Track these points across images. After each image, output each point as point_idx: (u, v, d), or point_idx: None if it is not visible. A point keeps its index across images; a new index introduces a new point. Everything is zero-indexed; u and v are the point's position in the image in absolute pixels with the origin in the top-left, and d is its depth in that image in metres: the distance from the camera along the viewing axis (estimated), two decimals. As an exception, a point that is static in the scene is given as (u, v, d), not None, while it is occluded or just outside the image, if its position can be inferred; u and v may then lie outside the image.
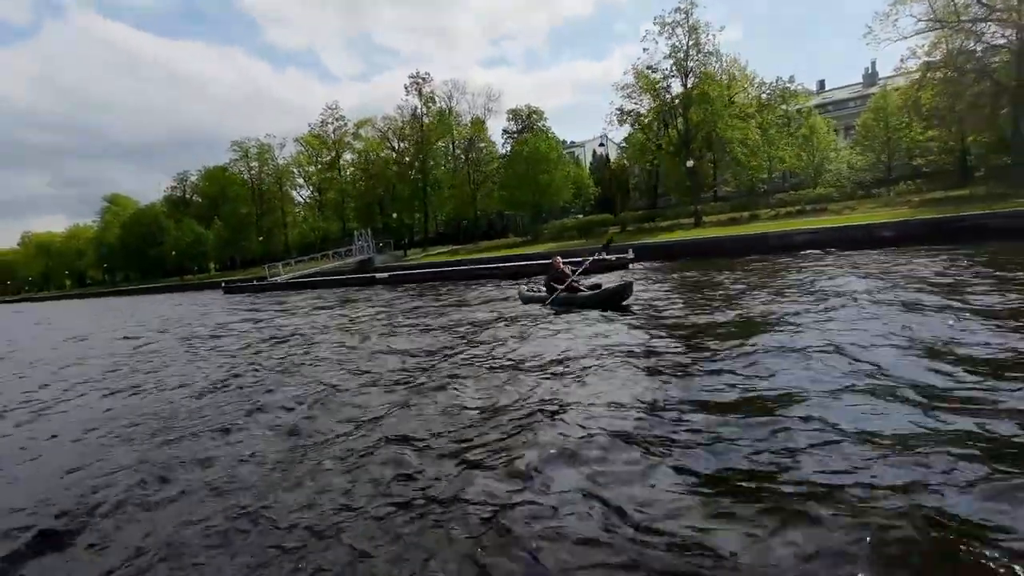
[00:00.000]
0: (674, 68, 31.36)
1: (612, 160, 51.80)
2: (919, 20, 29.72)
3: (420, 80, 44.49)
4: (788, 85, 41.29)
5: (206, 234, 61.72)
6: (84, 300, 58.43)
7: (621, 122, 35.34)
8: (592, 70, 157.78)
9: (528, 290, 13.14)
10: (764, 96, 41.08)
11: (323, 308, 18.09)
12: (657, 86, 32.19)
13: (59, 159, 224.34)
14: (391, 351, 8.28)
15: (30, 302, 74.19)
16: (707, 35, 31.13)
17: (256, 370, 7.88)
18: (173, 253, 63.59)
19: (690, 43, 31.04)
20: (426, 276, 26.04)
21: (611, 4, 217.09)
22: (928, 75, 28.84)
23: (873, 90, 39.94)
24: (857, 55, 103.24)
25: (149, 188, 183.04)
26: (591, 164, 56.97)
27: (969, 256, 13.73)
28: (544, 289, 12.23)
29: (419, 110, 45.22)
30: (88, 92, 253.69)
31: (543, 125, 54.90)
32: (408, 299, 18.02)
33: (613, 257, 20.34)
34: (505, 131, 55.70)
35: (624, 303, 10.42)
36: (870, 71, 47.88)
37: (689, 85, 31.58)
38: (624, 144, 44.65)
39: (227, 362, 9.03)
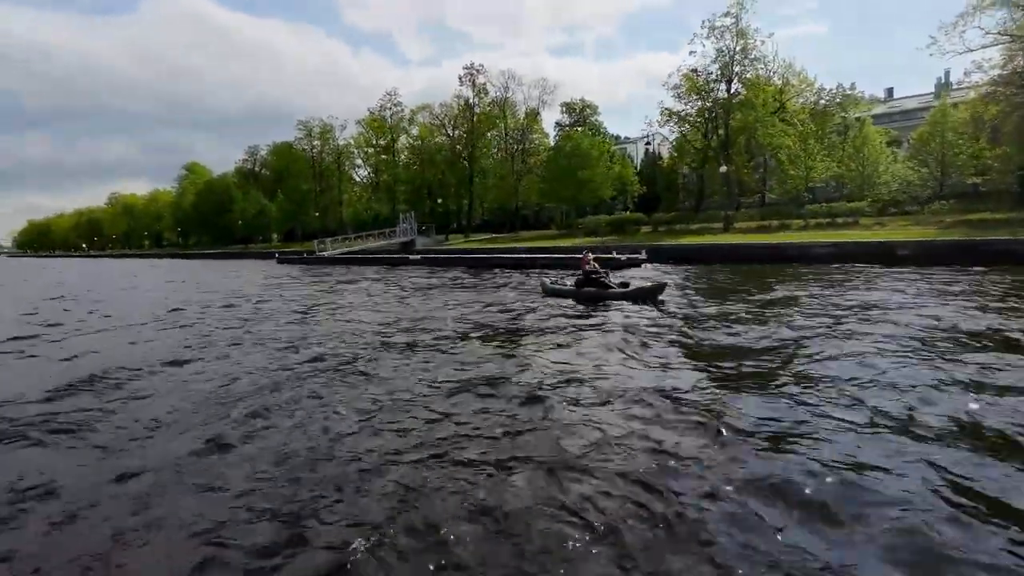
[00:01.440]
0: (719, 72, 31.62)
1: (665, 158, 51.95)
2: (987, 33, 28.93)
3: (474, 72, 46.25)
4: (848, 92, 40.59)
5: (269, 206, 66.11)
6: (161, 260, 63.96)
7: (664, 122, 35.84)
8: (667, 63, 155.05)
9: (552, 283, 13.48)
10: (823, 103, 40.49)
11: (350, 282, 20.21)
12: (701, 89, 32.54)
13: (147, 126, 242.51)
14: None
15: (113, 258, 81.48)
16: (755, 40, 31.19)
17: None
18: (240, 222, 68.47)
19: (737, 48, 31.21)
20: (455, 261, 27.88)
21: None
22: (998, 90, 28.03)
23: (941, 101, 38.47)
24: (936, 61, 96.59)
25: (225, 158, 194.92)
26: (642, 161, 57.26)
27: (971, 277, 14.24)
28: (569, 283, 12.77)
29: (471, 100, 46.96)
30: (177, 63, 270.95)
31: (596, 120, 55.74)
32: (423, 279, 19.86)
33: (624, 257, 21.42)
34: (558, 123, 56.81)
35: (659, 299, 11.03)
36: (943, 80, 45.80)
37: (733, 90, 31.81)
38: (673, 143, 44.89)
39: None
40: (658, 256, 23.69)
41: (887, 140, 37.41)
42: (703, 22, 32.72)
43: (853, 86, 41.18)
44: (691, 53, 32.67)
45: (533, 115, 54.32)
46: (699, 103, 33.10)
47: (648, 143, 47.88)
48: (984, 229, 22.04)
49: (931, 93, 47.24)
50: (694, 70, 32.24)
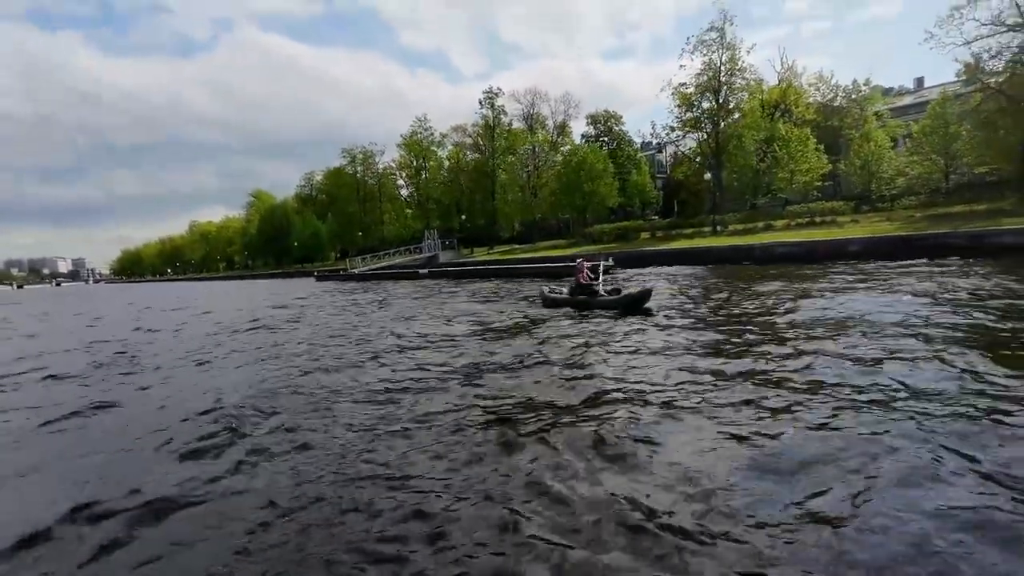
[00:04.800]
0: (707, 84, 33.61)
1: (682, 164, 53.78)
2: (982, 24, 29.90)
3: (493, 95, 50.23)
4: (864, 87, 41.45)
5: (321, 227, 72.72)
6: (222, 281, 71.60)
7: (669, 131, 38.10)
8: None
9: (550, 292, 13.92)
10: (840, 98, 41.51)
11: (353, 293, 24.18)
12: (692, 102, 34.61)
13: (224, 156, 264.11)
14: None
15: (193, 280, 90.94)
16: (740, 52, 33.04)
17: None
18: (295, 244, 75.55)
19: (724, 59, 33.12)
20: (459, 273, 31.49)
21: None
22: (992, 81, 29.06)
23: (972, 89, 38.25)
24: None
25: (293, 181, 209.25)
26: (669, 164, 59.02)
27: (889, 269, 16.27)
28: (566, 291, 13.25)
29: (491, 121, 50.92)
30: (250, 96, 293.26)
31: (620, 129, 58.06)
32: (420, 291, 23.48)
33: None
34: (583, 135, 59.61)
35: (645, 307, 11.29)
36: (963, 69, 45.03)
37: (723, 100, 33.72)
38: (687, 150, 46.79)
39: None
40: (627, 262, 26.24)
41: (906, 133, 37.92)
42: (688, 38, 34.98)
43: (868, 81, 41.92)
44: (681, 67, 34.83)
45: (561, 127, 57.83)
46: (691, 114, 35.17)
47: (660, 149, 49.82)
48: (948, 222, 23.18)
49: (958, 81, 46.42)
50: (682, 84, 34.45)
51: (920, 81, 50.48)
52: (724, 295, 13.27)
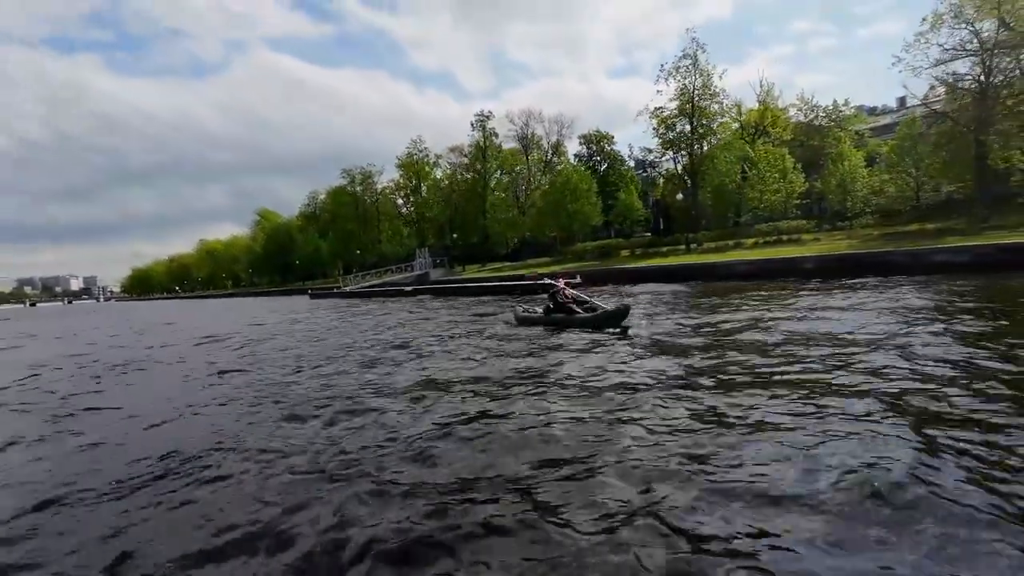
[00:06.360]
0: (681, 108, 35.24)
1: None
2: (945, 49, 31.37)
3: (484, 118, 52.42)
4: (842, 108, 42.96)
5: (322, 245, 74.95)
6: (221, 299, 73.63)
7: (656, 151, 39.67)
8: (730, 75, 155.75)
9: (523, 311, 13.68)
10: (821, 118, 43.05)
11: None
12: (669, 125, 36.24)
13: (235, 173, 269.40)
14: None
15: (202, 298, 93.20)
16: (712, 77, 34.71)
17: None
18: (297, 261, 77.81)
19: (698, 84, 34.79)
20: (442, 291, 33.12)
21: (751, 5, 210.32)
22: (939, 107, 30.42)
23: (921, 113, 39.47)
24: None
25: (302, 198, 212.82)
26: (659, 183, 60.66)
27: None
28: (540, 310, 13.03)
29: (483, 143, 53.00)
30: (261, 115, 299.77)
31: (612, 149, 59.89)
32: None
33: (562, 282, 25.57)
34: (576, 155, 61.44)
35: (624, 324, 10.91)
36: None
37: (695, 123, 35.33)
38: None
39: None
40: (595, 279, 27.70)
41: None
42: (661, 66, 36.76)
43: (847, 102, 43.49)
44: (658, 92, 36.60)
45: (555, 147, 59.73)
46: (668, 136, 36.78)
47: (645, 170, 51.58)
48: (900, 241, 24.46)
49: (917, 105, 47.71)
50: (658, 108, 36.15)
51: (902, 101, 51.74)
52: (687, 313, 13.81)
